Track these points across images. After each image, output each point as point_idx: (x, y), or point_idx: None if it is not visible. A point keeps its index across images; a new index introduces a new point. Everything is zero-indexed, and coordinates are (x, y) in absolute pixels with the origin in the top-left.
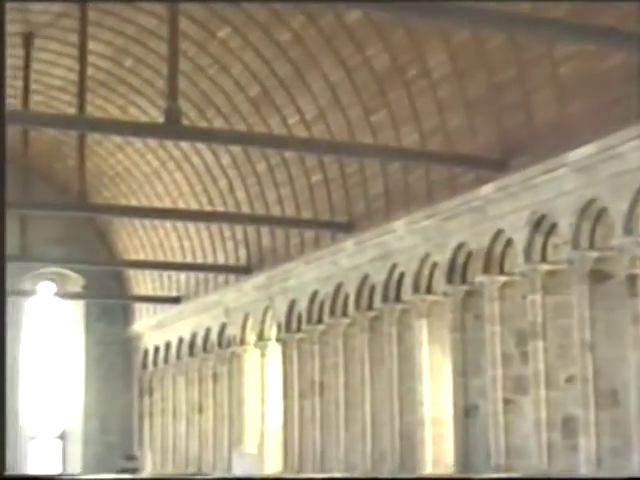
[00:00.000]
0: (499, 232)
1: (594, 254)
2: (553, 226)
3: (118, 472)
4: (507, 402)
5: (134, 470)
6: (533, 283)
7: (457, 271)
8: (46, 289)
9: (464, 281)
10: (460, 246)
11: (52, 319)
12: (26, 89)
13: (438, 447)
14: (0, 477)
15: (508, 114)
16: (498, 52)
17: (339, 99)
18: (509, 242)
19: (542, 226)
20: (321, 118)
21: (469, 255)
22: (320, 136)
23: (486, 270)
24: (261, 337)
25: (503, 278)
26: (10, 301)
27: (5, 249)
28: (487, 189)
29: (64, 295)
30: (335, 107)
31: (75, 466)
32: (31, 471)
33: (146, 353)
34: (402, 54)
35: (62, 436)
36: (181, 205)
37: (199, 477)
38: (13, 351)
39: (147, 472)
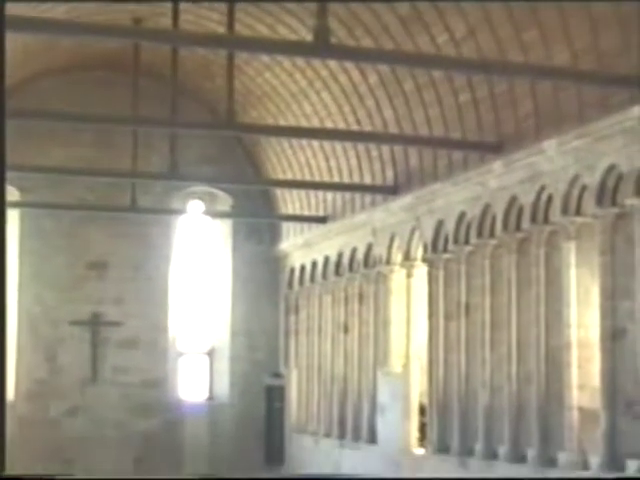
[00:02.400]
0: None
1: None
2: None
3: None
4: None
5: (280, 388)
6: None
7: (607, 193)
8: (195, 208)
9: (614, 203)
10: (611, 168)
11: (201, 238)
12: (175, 8)
13: (584, 370)
14: (0, 477)
15: None
16: None
17: (489, 17)
18: None
19: None
20: (470, 36)
21: (620, 177)
22: (469, 55)
23: (637, 192)
24: (407, 257)
25: None
26: (161, 219)
27: (6, 243)
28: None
29: (213, 214)
30: (485, 25)
31: (222, 383)
32: (180, 387)
33: (292, 272)
34: None
35: (210, 353)
36: (328, 125)
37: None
38: (164, 269)
39: (293, 389)
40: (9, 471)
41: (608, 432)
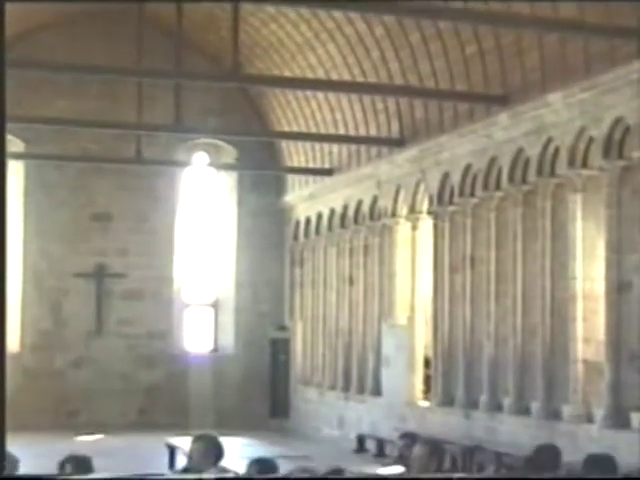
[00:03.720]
0: None
1: None
2: None
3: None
4: None
5: (285, 340)
6: None
7: (614, 146)
8: (200, 160)
9: (621, 156)
10: (618, 120)
11: (206, 190)
12: None
13: (589, 323)
14: (0, 477)
15: None
16: None
17: None
18: None
19: None
20: None
21: (627, 130)
22: (476, 6)
23: None
24: (413, 210)
25: None
26: (166, 170)
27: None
28: None
29: (218, 166)
30: None
31: (227, 334)
32: (185, 338)
33: (298, 224)
34: None
35: (215, 304)
36: (334, 76)
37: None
38: (169, 220)
39: (297, 342)
40: (13, 422)
41: (612, 385)
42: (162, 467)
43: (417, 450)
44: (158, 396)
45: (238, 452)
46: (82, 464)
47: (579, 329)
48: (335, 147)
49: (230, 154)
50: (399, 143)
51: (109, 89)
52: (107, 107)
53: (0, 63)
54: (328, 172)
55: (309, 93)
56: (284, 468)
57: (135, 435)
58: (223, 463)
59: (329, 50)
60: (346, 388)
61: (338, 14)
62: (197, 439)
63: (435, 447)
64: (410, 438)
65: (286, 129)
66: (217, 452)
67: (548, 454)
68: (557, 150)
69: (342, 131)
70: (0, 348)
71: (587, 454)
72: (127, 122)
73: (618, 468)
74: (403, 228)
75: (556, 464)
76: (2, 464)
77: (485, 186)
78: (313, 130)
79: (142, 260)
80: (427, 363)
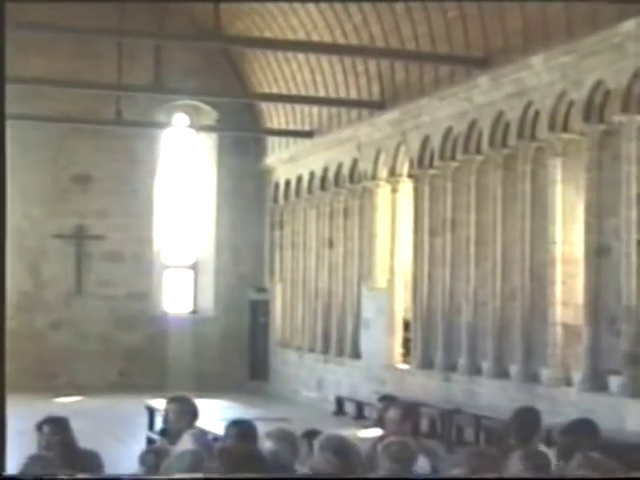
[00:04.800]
0: (639, 70)
1: None
2: None
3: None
4: None
5: (264, 302)
6: None
7: (595, 110)
8: (180, 121)
9: (602, 120)
10: (598, 84)
11: (186, 151)
12: None
13: (568, 287)
14: (0, 477)
15: None
16: None
17: None
18: None
19: None
20: None
21: (607, 93)
22: None
23: (625, 109)
24: (393, 173)
25: None
26: (145, 132)
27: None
28: (629, 25)
29: (198, 128)
30: None
31: (206, 296)
32: (165, 300)
33: (277, 186)
34: None
35: (194, 266)
36: (315, 38)
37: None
38: (149, 182)
39: (277, 304)
40: None
41: (591, 348)
42: (141, 428)
43: (391, 413)
44: (138, 358)
45: (216, 414)
46: (59, 425)
47: (558, 293)
48: (315, 109)
49: (210, 116)
50: (380, 106)
51: (89, 49)
52: (86, 67)
53: (0, 62)
54: (308, 134)
55: (290, 55)
56: (262, 430)
57: (115, 397)
58: (201, 424)
59: (310, 12)
60: (325, 351)
61: None
62: (171, 400)
63: (409, 410)
64: (389, 401)
65: (266, 91)
66: (192, 413)
67: (528, 417)
68: (537, 113)
69: (323, 93)
70: (0, 349)
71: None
72: (107, 83)
73: (599, 432)
74: (383, 191)
75: (536, 427)
76: (2, 463)
77: (465, 149)
78: (294, 92)
79: (122, 222)
80: (406, 326)
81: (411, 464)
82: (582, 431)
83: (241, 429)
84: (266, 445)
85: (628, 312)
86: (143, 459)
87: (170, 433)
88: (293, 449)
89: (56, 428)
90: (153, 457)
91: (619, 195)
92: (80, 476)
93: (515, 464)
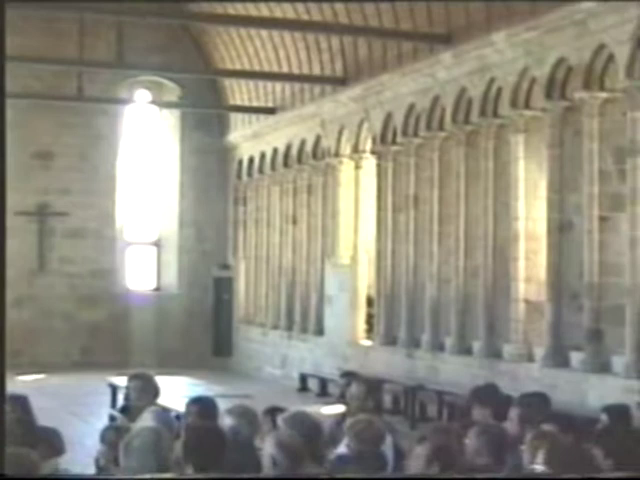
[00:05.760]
0: (601, 47)
1: None
2: None
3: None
4: (603, 219)
5: (228, 279)
6: (634, 100)
7: (556, 86)
8: (142, 98)
9: (563, 97)
10: (560, 61)
11: (148, 128)
12: None
13: (531, 263)
14: (0, 477)
15: None
16: None
17: None
18: (610, 57)
19: None
20: None
21: (569, 70)
22: None
23: (586, 86)
24: (356, 149)
25: (603, 94)
26: (108, 108)
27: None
28: (591, 2)
29: (160, 104)
30: None
31: (170, 273)
32: (128, 277)
33: (241, 163)
34: None
35: (157, 243)
36: (278, 14)
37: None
38: (111, 159)
39: (241, 281)
40: None
41: (553, 324)
42: (104, 406)
43: (353, 389)
44: (101, 335)
45: (180, 391)
46: (19, 403)
47: (521, 269)
48: (278, 86)
49: (173, 92)
50: (342, 82)
51: (50, 24)
52: (48, 43)
53: (0, 61)
54: (271, 111)
55: (253, 31)
56: (224, 407)
57: (78, 374)
58: (164, 401)
59: None
60: (289, 327)
61: None
62: (132, 378)
63: (371, 386)
64: (351, 377)
65: (229, 67)
66: (153, 390)
67: (486, 392)
68: (500, 90)
69: (285, 69)
70: (0, 348)
71: (521, 393)
72: (68, 58)
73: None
74: (346, 167)
75: (497, 401)
76: (2, 465)
77: (428, 126)
78: (257, 68)
79: (84, 199)
80: (370, 302)
81: (379, 444)
82: (534, 403)
83: (201, 406)
84: (226, 421)
85: (590, 288)
86: (103, 436)
87: (131, 411)
88: (253, 426)
89: (15, 406)
90: (114, 434)
91: (581, 171)
92: (81, 476)
93: (472, 440)
